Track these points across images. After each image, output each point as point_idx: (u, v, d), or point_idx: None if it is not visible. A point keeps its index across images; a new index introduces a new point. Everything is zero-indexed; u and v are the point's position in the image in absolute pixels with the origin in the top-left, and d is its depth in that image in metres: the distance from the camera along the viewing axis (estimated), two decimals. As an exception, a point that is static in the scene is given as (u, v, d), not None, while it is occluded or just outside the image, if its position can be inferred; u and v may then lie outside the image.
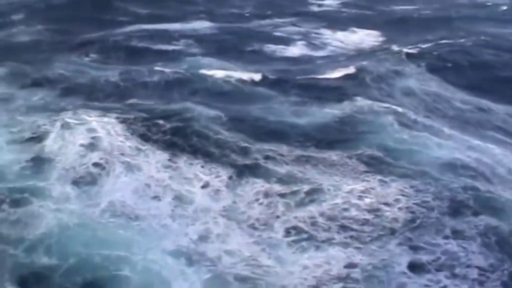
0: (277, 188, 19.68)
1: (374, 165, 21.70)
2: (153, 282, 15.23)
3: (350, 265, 16.28)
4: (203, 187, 19.87)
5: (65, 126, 23.22)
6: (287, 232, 17.53)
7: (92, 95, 29.10)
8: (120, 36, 40.82)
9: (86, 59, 35.69)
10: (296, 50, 39.25)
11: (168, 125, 23.93)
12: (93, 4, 49.10)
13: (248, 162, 21.38)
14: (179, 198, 19.19)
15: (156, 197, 19.23)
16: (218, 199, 19.25)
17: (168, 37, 41.23)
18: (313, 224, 17.85)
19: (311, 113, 26.92)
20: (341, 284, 15.52)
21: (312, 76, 33.23)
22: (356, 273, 15.95)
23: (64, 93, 29.05)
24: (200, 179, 20.27)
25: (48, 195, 18.81)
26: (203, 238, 17.24)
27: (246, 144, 22.78)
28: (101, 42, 39.09)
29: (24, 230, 17.08)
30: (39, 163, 20.75)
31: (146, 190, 19.59)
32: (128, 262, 15.81)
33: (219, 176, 20.43)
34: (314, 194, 19.37)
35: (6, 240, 16.64)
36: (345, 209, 18.70)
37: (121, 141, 22.38)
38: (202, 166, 21.06)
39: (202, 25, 45.13)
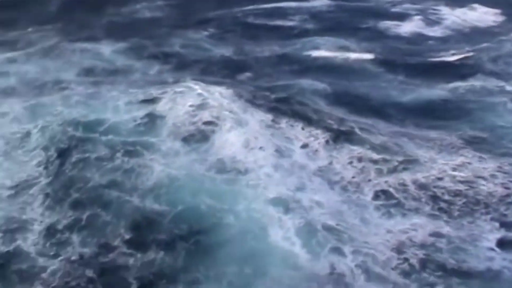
0: (371, 155, 21.10)
1: (475, 143, 22.46)
2: (253, 228, 17.34)
3: (436, 235, 17.21)
4: (302, 146, 21.90)
5: (178, 92, 25.86)
6: (376, 196, 18.97)
7: (206, 68, 31.84)
8: (238, 13, 43.14)
9: (203, 34, 38.31)
10: (411, 27, 39.41)
11: (273, 95, 26.11)
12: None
13: (344, 129, 23.02)
14: (280, 153, 21.33)
15: (261, 149, 21.48)
16: (315, 159, 21.18)
17: (284, 14, 42.95)
18: (404, 191, 19.09)
19: (417, 92, 27.91)
20: (423, 251, 16.55)
21: (424, 54, 33.93)
22: (441, 243, 16.88)
23: (179, 66, 32.04)
24: (299, 140, 22.33)
25: (158, 149, 21.62)
26: (300, 189, 19.22)
27: (345, 115, 24.53)
28: (219, 19, 41.71)
29: (137, 179, 19.89)
30: (152, 122, 23.62)
31: (253, 142, 21.87)
32: (232, 211, 18.09)
33: (317, 139, 22.24)
34: (408, 164, 20.54)
35: (121, 188, 19.50)
36: (439, 179, 19.67)
37: (229, 103, 24.75)
38: (302, 129, 23.05)
39: (319, 3, 46.02)
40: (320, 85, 27.92)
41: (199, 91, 25.83)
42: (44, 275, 16.22)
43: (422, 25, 39.60)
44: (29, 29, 40.96)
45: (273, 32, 38.98)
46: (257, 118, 23.72)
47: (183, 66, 32.22)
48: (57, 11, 44.16)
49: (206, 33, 38.52)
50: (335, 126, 23.29)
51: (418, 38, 37.45)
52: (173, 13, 43.54)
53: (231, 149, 21.51)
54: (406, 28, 39.26)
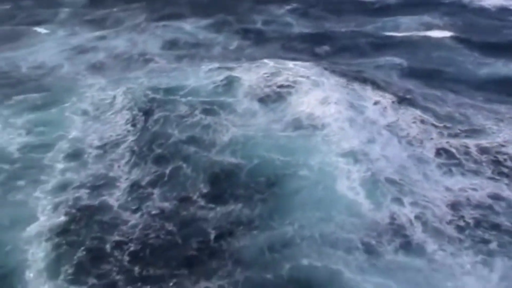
0: (433, 121, 22.71)
1: (547, 120, 23.22)
2: (324, 179, 19.13)
3: (495, 197, 18.29)
4: (374, 103, 23.84)
5: (255, 64, 28.25)
6: (438, 154, 20.45)
7: (285, 44, 34.16)
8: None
9: (286, 9, 40.80)
10: (497, 0, 39.65)
11: (348, 68, 28.20)
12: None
13: (408, 96, 24.78)
14: (354, 108, 23.33)
15: (336, 103, 23.48)
16: (385, 115, 23.01)
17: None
18: (466, 153, 20.41)
19: (493, 68, 28.95)
20: (480, 212, 17.75)
21: (506, 30, 34.54)
22: (499, 206, 17.93)
23: (258, 42, 34.51)
24: (371, 98, 24.28)
25: (234, 109, 24.01)
26: (370, 142, 21.05)
27: (414, 86, 26.34)
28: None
29: (214, 135, 22.19)
30: (229, 85, 26.03)
31: (328, 99, 23.96)
32: (306, 165, 19.95)
33: (386, 98, 24.12)
34: (471, 132, 21.90)
35: (199, 143, 21.83)
36: (503, 146, 20.78)
37: (304, 71, 26.90)
38: (372, 90, 25.06)
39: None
40: (397, 60, 29.72)
41: (274, 62, 28.09)
42: (124, 228, 17.85)
43: (509, -2, 39.05)
44: (115, 9, 44.27)
45: (355, 7, 40.83)
46: (332, 81, 25.69)
47: (262, 41, 34.62)
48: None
49: (288, 7, 40.86)
50: (400, 92, 25.04)
51: (502, 13, 37.99)
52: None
53: (308, 107, 23.45)
54: (491, 1, 39.58)
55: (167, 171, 20.52)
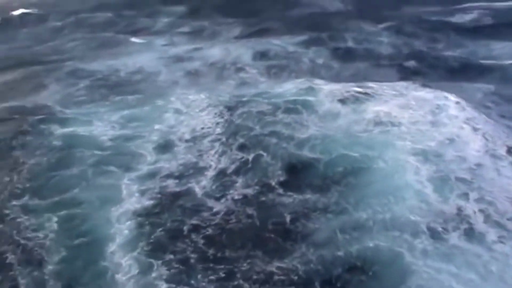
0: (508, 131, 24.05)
1: None
2: (395, 172, 20.71)
3: None
4: (456, 103, 25.70)
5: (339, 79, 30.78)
6: (509, 152, 21.68)
7: (374, 64, 36.19)
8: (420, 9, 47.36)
9: (379, 28, 43.00)
10: None
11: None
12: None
13: (487, 111, 26.57)
14: (436, 107, 25.25)
15: (417, 107, 25.46)
16: (463, 110, 24.89)
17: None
18: None
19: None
20: None
21: None
22: None
23: (346, 59, 36.82)
24: (450, 99, 26.24)
25: (315, 110, 26.15)
26: (448, 141, 22.68)
27: (494, 103, 28.04)
28: (399, 17, 46.37)
29: (293, 132, 24.26)
30: (310, 90, 28.47)
31: (410, 104, 26.05)
32: (381, 158, 21.62)
33: (465, 109, 25.54)
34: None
35: (279, 136, 23.90)
36: None
37: (388, 83, 29.33)
38: (454, 101, 26.33)
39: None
40: (485, 86, 30.71)
41: (361, 83, 29.91)
42: (205, 214, 19.52)
43: None
44: (211, 22, 47.52)
45: (449, 29, 42.41)
46: (414, 93, 27.61)
47: (351, 59, 36.71)
48: (237, 2, 50.85)
49: (382, 26, 43.11)
50: (481, 108, 26.56)
51: None
52: (352, 6, 49.05)
53: (389, 108, 25.38)
54: None
55: (250, 158, 22.45)
